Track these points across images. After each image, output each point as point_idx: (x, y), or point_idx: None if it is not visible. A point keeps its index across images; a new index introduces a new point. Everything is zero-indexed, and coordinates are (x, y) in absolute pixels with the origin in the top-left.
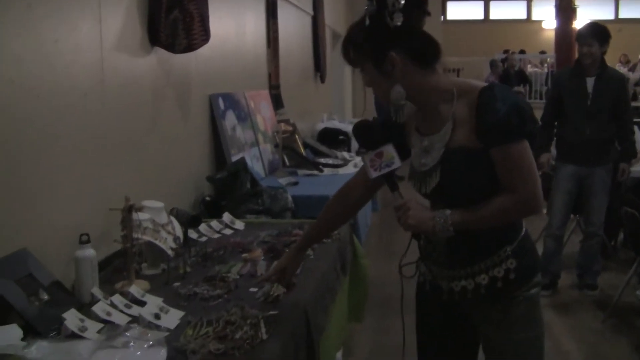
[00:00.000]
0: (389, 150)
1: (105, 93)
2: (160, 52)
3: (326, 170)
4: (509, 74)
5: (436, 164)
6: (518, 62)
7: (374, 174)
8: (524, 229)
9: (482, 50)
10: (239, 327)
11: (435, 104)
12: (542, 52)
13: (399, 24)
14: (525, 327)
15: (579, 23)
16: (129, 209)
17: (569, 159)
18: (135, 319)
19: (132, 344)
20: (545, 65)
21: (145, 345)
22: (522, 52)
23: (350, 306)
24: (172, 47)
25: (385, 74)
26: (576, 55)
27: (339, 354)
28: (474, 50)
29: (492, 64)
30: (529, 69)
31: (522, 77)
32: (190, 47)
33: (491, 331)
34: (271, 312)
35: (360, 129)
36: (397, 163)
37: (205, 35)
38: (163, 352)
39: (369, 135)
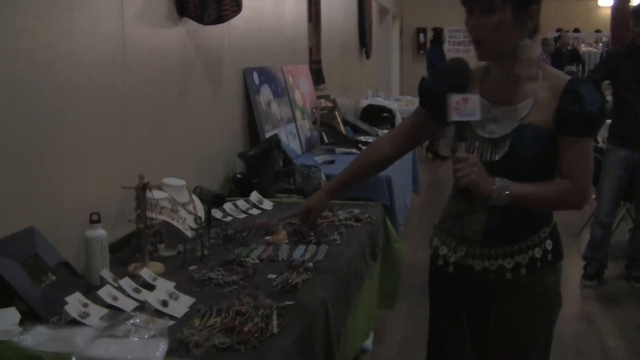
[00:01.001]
0: (475, 100)
1: (127, 65)
2: (190, 24)
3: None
4: (562, 53)
5: (507, 135)
6: (572, 41)
7: (455, 117)
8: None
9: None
10: (250, 319)
11: (519, 76)
12: (597, 31)
13: None
14: (547, 311)
15: (636, 0)
16: (143, 187)
17: (621, 143)
18: (142, 305)
19: (133, 333)
20: (600, 44)
21: (146, 336)
22: (577, 30)
23: (381, 293)
24: (201, 18)
25: (518, 23)
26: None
27: (369, 342)
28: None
29: (544, 42)
30: (582, 48)
31: (575, 57)
32: (220, 19)
33: (513, 312)
34: (287, 303)
35: (454, 68)
36: (478, 116)
37: (237, 6)
38: (163, 345)
39: (463, 77)
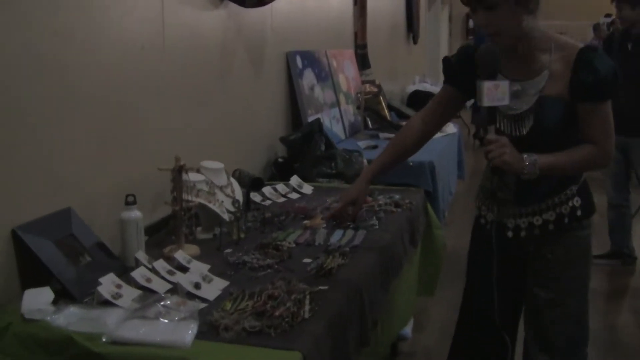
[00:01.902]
0: (505, 85)
1: (166, 47)
2: (231, 6)
3: None
4: (614, 37)
5: (529, 109)
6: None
7: (487, 102)
8: (584, 173)
9: (588, 14)
10: (282, 303)
11: (533, 51)
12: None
13: None
14: (579, 264)
15: None
16: (179, 170)
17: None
18: (175, 287)
19: (163, 315)
20: None
21: (176, 318)
22: (608, 15)
23: (421, 280)
24: (242, 1)
25: (521, 8)
26: None
27: (409, 329)
28: (578, 13)
29: (596, 27)
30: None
31: None
32: (262, 1)
33: (547, 268)
34: (320, 288)
35: (486, 56)
36: (507, 100)
37: None
38: (193, 328)
39: (495, 65)
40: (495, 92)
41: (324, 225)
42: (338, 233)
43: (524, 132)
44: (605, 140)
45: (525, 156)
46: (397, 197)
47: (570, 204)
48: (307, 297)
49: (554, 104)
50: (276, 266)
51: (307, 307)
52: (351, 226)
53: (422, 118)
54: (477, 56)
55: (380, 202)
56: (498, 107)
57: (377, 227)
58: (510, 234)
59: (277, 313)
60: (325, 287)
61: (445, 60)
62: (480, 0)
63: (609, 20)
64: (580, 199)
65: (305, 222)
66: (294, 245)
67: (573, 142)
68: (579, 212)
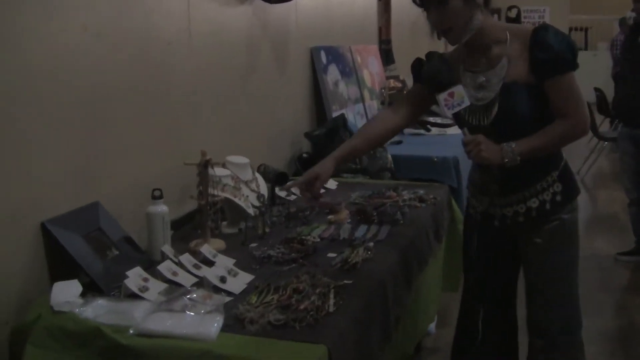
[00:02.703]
0: (460, 90)
1: (192, 43)
2: (256, 2)
3: (434, 130)
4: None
5: (494, 97)
6: None
7: (448, 112)
8: (564, 157)
9: (615, 8)
10: (306, 297)
11: (489, 44)
12: None
13: None
14: (565, 247)
15: None
16: (205, 164)
17: (625, 122)
18: (201, 281)
19: (189, 308)
20: None
21: (202, 311)
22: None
23: (446, 275)
24: None
25: (469, 3)
26: None
27: (433, 325)
28: (605, 8)
29: (622, 22)
30: None
31: None
32: None
33: (534, 252)
34: (345, 281)
35: (432, 70)
36: (467, 102)
37: None
38: (219, 320)
39: (443, 75)
40: (452, 100)
41: (349, 220)
42: (362, 228)
43: (491, 119)
44: (575, 110)
45: (502, 146)
46: (421, 192)
47: (551, 190)
48: (332, 291)
49: (518, 89)
50: (301, 260)
51: (331, 301)
52: (375, 221)
53: (393, 110)
54: (424, 74)
55: (405, 197)
56: (463, 113)
57: (401, 222)
58: (497, 223)
59: (302, 307)
60: (350, 282)
61: (417, 60)
62: None
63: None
64: (561, 185)
65: (330, 216)
66: (318, 239)
67: (545, 125)
68: (558, 197)
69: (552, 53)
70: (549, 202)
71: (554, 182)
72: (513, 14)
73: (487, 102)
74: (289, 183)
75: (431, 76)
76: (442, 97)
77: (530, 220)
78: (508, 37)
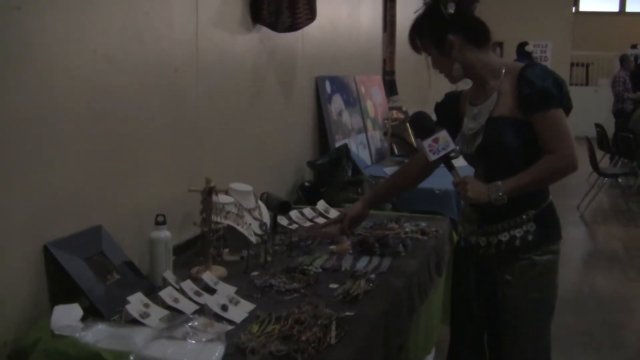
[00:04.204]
0: (444, 135)
1: (199, 70)
2: (263, 31)
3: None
4: None
5: (480, 128)
6: None
7: (432, 157)
8: (549, 200)
9: (615, 45)
10: (308, 328)
11: (486, 79)
12: None
13: (452, 11)
14: (537, 289)
15: None
16: (209, 191)
17: None
18: (202, 308)
19: (191, 336)
20: None
21: (203, 339)
22: (634, 46)
23: (445, 308)
24: (275, 25)
25: (446, 54)
26: None
27: (431, 357)
28: (606, 45)
29: (623, 59)
30: None
31: None
32: (294, 26)
33: (507, 288)
34: (346, 314)
35: (416, 120)
36: (452, 146)
37: (311, 14)
38: (220, 350)
39: (424, 125)
40: (436, 145)
41: (350, 251)
42: (364, 259)
43: (474, 149)
44: (560, 145)
45: (489, 186)
46: (423, 224)
47: (524, 227)
48: (334, 322)
49: (503, 123)
50: (302, 290)
51: (333, 333)
52: (377, 253)
53: (423, 161)
54: (409, 123)
55: (407, 229)
56: (450, 156)
57: (403, 254)
58: (472, 250)
59: (303, 338)
60: (352, 313)
61: (435, 105)
62: (411, 46)
63: (637, 51)
64: (535, 225)
65: (332, 247)
66: (320, 270)
67: (523, 159)
68: (530, 237)
69: (535, 88)
70: (519, 238)
71: (528, 220)
72: (530, 48)
73: (474, 132)
74: (322, 223)
75: (416, 122)
76: (426, 143)
77: (499, 253)
78: (503, 72)
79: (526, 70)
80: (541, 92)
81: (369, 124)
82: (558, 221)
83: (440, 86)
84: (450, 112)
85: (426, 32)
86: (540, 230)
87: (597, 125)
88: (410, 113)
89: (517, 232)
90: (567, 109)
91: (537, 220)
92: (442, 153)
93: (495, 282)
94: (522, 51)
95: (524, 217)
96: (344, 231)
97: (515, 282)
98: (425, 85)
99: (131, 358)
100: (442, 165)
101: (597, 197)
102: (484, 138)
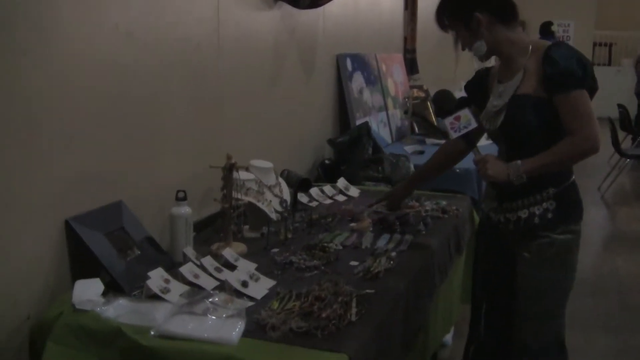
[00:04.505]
0: (466, 113)
1: (221, 45)
2: (285, 7)
3: None
4: None
5: (503, 106)
6: None
7: (454, 135)
8: (571, 179)
9: (639, 25)
10: (328, 305)
11: (513, 57)
12: None
13: None
14: (553, 267)
15: None
16: (230, 168)
17: None
18: (222, 284)
19: (211, 312)
20: None
21: (224, 315)
22: None
23: (464, 287)
24: (296, 2)
25: (473, 32)
26: None
27: (449, 336)
28: (629, 24)
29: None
30: None
31: None
32: (315, 3)
33: (524, 266)
34: (367, 291)
35: (439, 99)
36: (474, 124)
37: None
38: (240, 326)
39: (446, 104)
40: (458, 124)
41: (371, 229)
42: (385, 237)
43: (497, 126)
44: (582, 127)
45: (509, 165)
46: (444, 203)
47: (543, 205)
48: (354, 299)
49: (526, 101)
50: (323, 268)
51: (353, 310)
52: (398, 231)
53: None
54: (432, 101)
55: (427, 207)
56: (471, 135)
57: (424, 232)
58: (493, 227)
59: (324, 315)
60: (372, 291)
61: (465, 83)
62: (439, 25)
63: None
64: (555, 203)
65: (352, 224)
66: (340, 247)
67: (544, 139)
68: (549, 215)
69: (558, 69)
70: (537, 216)
71: (548, 198)
72: (555, 28)
73: (498, 109)
74: (372, 202)
75: (440, 100)
76: (447, 121)
77: (519, 230)
78: (530, 50)
79: (551, 49)
80: (565, 72)
81: (390, 102)
82: (580, 201)
83: (464, 66)
84: (479, 89)
85: (453, 10)
86: (561, 209)
87: (620, 106)
88: (432, 92)
89: (537, 210)
90: (592, 89)
91: (557, 198)
92: (464, 131)
93: (514, 261)
94: (546, 31)
95: (544, 194)
96: (394, 210)
97: (532, 259)
98: (448, 63)
99: (152, 333)
100: None
101: (618, 179)
102: (506, 115)
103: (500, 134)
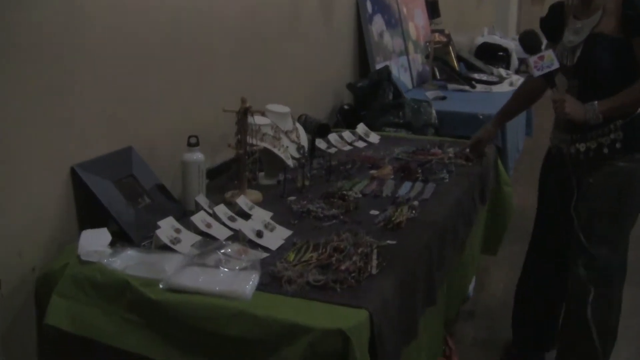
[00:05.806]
0: (549, 54)
1: None
2: None
3: (479, 87)
4: None
5: (580, 43)
6: None
7: (536, 73)
8: (639, 110)
9: None
10: (348, 257)
11: None
12: None
13: None
14: (617, 193)
15: None
16: (244, 112)
17: None
18: (236, 234)
19: (223, 263)
20: None
21: (237, 267)
22: None
23: (486, 238)
24: None
25: None
26: None
27: (471, 287)
28: None
29: None
30: None
31: None
32: None
33: (588, 191)
34: (388, 242)
35: (525, 37)
36: (556, 64)
37: None
38: (254, 278)
39: (532, 42)
40: (541, 63)
41: (392, 176)
42: (406, 185)
43: (574, 62)
44: None
45: (586, 105)
46: (467, 150)
47: (612, 136)
48: (375, 251)
49: (602, 39)
50: (342, 217)
51: (374, 262)
52: (420, 178)
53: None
54: (519, 39)
55: (451, 154)
56: (553, 74)
57: (447, 180)
58: (566, 158)
59: (342, 267)
60: (394, 242)
61: (540, 19)
62: None
63: None
64: (622, 133)
65: (373, 172)
66: (360, 195)
67: (629, 82)
68: (618, 145)
69: (638, 11)
70: (606, 146)
71: (616, 129)
72: None
73: (574, 45)
74: (459, 150)
75: (525, 39)
76: (532, 59)
77: (587, 161)
78: None
79: None
80: None
81: (411, 47)
82: None
83: (486, 10)
84: (554, 24)
85: None
86: (628, 138)
87: None
88: (453, 36)
89: (605, 140)
90: None
91: (625, 129)
92: (546, 70)
93: (578, 192)
94: None
95: (612, 126)
96: (480, 155)
97: (598, 184)
98: (470, 8)
99: (160, 286)
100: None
101: None
102: (582, 52)
103: (575, 70)
